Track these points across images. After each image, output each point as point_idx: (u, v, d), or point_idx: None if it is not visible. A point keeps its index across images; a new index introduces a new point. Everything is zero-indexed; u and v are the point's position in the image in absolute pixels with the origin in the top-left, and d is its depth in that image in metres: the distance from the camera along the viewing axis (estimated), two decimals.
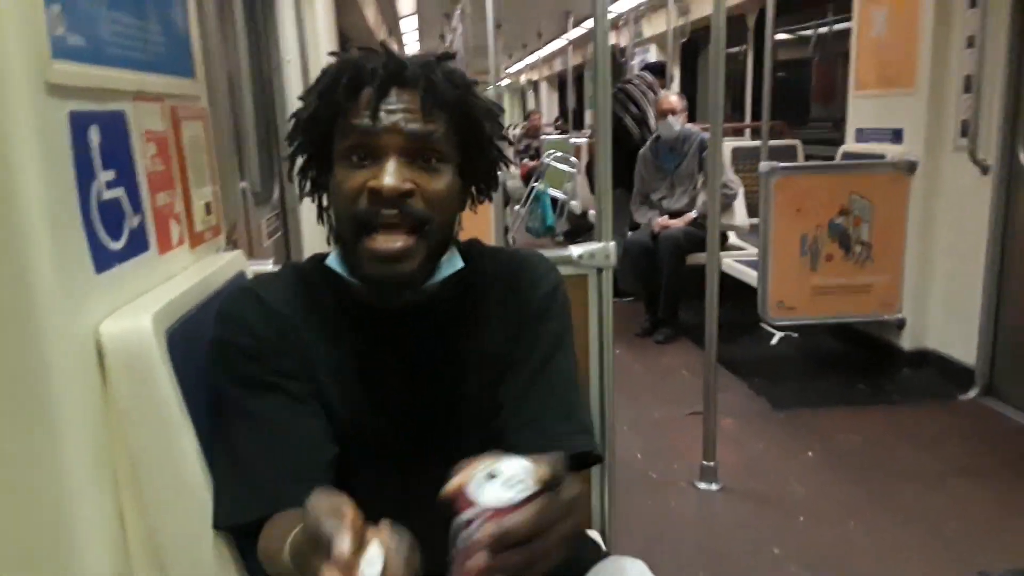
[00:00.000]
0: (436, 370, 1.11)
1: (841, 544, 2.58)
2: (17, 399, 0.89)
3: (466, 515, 0.68)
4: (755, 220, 4.43)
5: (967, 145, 3.63)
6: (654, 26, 8.56)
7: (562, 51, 12.38)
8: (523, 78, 20.99)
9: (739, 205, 4.99)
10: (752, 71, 7.11)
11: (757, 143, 5.44)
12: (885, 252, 4.01)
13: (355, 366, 1.09)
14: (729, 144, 5.79)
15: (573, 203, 7.79)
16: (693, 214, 4.86)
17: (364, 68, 1.01)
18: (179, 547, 1.03)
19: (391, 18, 10.64)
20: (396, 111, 0.99)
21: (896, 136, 4.07)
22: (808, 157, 5.86)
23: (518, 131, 13.01)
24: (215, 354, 1.07)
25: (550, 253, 1.60)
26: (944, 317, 3.99)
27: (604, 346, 1.65)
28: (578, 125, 11.09)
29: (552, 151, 8.42)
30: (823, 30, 6.19)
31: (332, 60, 1.06)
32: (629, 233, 5.12)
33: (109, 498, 1.00)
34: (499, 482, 0.69)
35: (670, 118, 4.90)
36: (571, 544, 0.72)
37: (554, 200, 7.92)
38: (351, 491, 0.94)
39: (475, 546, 0.66)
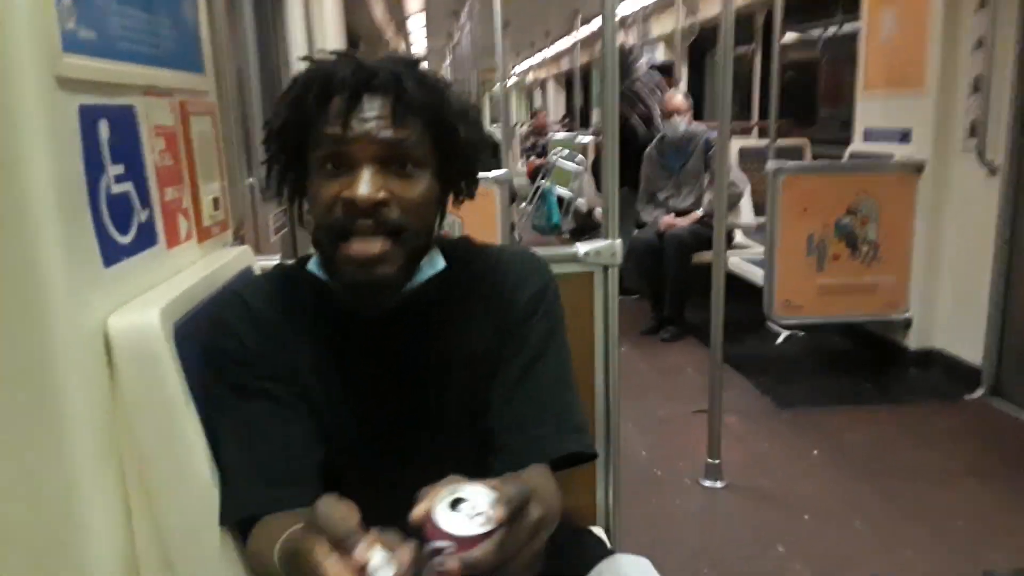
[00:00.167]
0: (420, 373, 1.11)
1: (846, 542, 2.58)
2: (25, 392, 0.89)
3: (435, 544, 0.70)
4: (762, 219, 4.43)
5: (975, 146, 3.62)
6: (662, 26, 8.54)
7: (570, 50, 12.36)
8: (530, 76, 20.97)
9: (745, 204, 4.99)
10: (760, 71, 7.10)
11: (764, 142, 5.43)
12: (892, 252, 4.00)
13: (339, 370, 1.09)
14: (736, 143, 5.78)
15: (579, 201, 7.78)
16: (699, 213, 4.85)
17: (334, 76, 0.99)
18: (185, 539, 1.04)
19: (399, 16, 10.64)
20: (368, 119, 0.98)
21: (904, 136, 4.06)
22: (816, 157, 5.84)
23: (525, 129, 13.01)
24: (205, 359, 1.07)
25: (555, 251, 1.60)
26: (951, 317, 3.98)
27: (610, 344, 1.64)
28: (585, 124, 11.07)
29: (559, 149, 8.41)
30: (831, 30, 6.18)
31: (303, 65, 1.05)
32: (635, 232, 5.12)
33: (116, 491, 1.00)
34: (464, 511, 0.71)
35: (675, 118, 4.90)
36: (539, 559, 0.74)
37: (560, 198, 7.91)
38: (340, 494, 0.95)
39: (448, 572, 0.69)
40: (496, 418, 1.09)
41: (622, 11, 8.16)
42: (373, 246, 0.99)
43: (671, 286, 4.87)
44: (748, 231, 5.21)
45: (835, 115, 6.50)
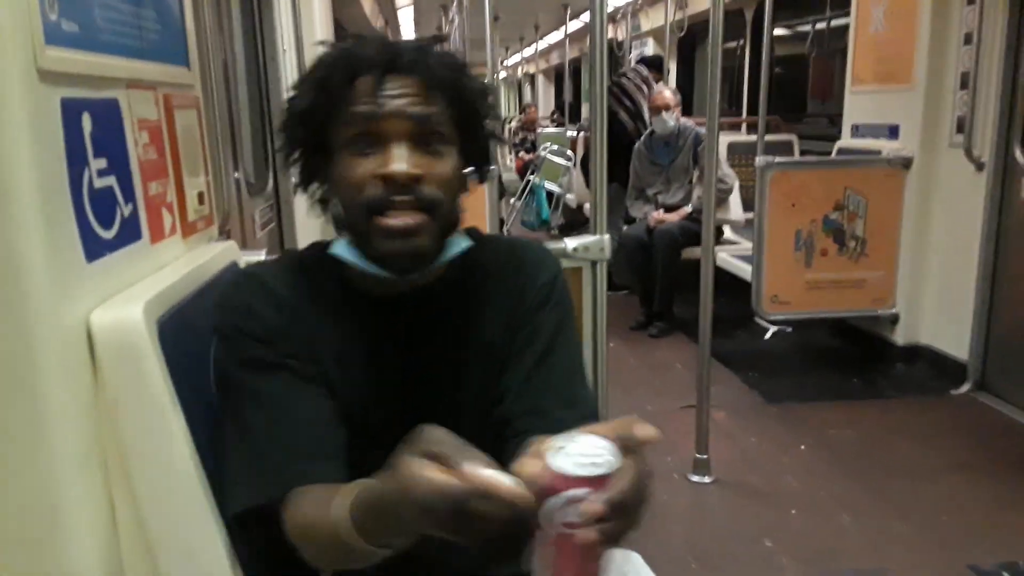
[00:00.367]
0: (437, 357, 1.11)
1: (833, 537, 2.59)
2: (6, 389, 0.89)
3: (567, 495, 0.68)
4: (750, 215, 4.44)
5: (962, 142, 3.64)
6: (652, 20, 8.54)
7: (559, 44, 12.35)
8: (520, 71, 20.95)
9: (734, 200, 5.00)
10: (749, 66, 7.11)
11: (753, 138, 5.44)
12: (879, 247, 4.02)
13: (357, 352, 1.09)
14: (725, 139, 5.79)
15: (569, 197, 7.79)
16: (688, 208, 4.86)
17: (360, 56, 1.00)
18: (169, 536, 1.03)
19: (388, 9, 10.61)
20: (398, 96, 0.99)
21: (892, 132, 4.07)
22: (804, 152, 5.86)
23: (514, 124, 12.99)
24: (221, 341, 1.07)
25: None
26: (937, 312, 4.00)
27: (598, 339, 1.65)
28: (575, 119, 11.07)
29: (548, 144, 8.41)
30: (821, 25, 6.18)
31: (324, 49, 1.05)
32: (624, 227, 5.12)
33: (99, 488, 0.99)
34: (578, 458, 0.70)
35: (664, 114, 4.89)
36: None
37: (550, 194, 7.91)
38: (357, 476, 0.95)
39: (584, 522, 0.67)
40: (515, 403, 1.09)
41: (612, 5, 8.16)
42: (410, 217, 0.99)
43: (660, 282, 4.88)
44: (737, 227, 5.22)
45: (824, 110, 6.52)
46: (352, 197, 1.01)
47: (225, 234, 1.57)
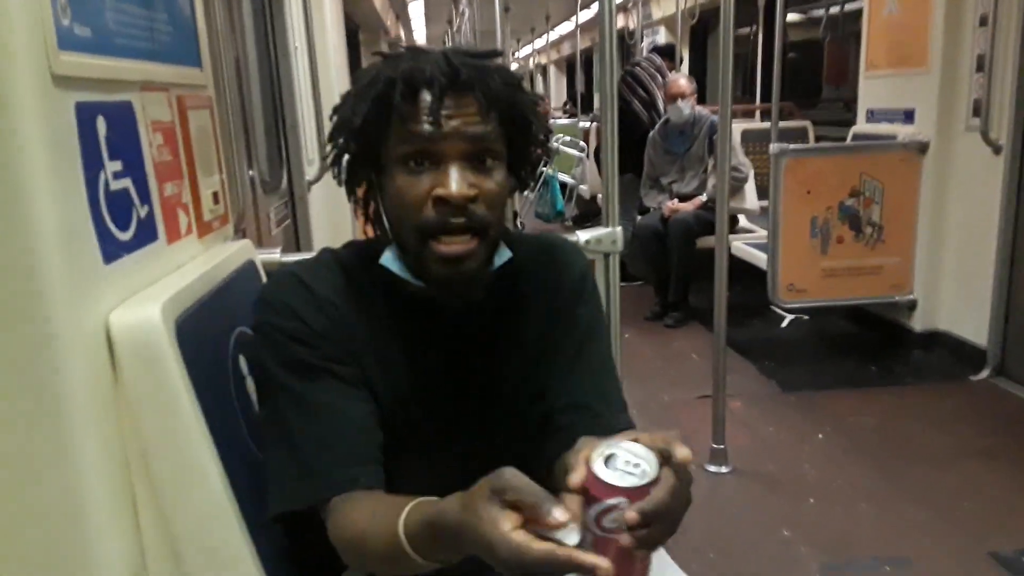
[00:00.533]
0: (477, 359, 1.13)
1: (852, 526, 2.58)
2: (27, 391, 0.89)
3: (606, 503, 0.73)
4: (765, 203, 4.41)
5: (979, 125, 3.60)
6: (663, 8, 8.49)
7: (570, 35, 12.31)
8: (532, 62, 20.89)
9: (749, 188, 4.97)
10: (762, 52, 7.06)
11: (767, 125, 5.41)
12: (896, 233, 3.99)
13: (398, 355, 1.10)
14: (739, 126, 5.76)
15: (582, 188, 7.77)
16: (703, 197, 4.83)
17: (421, 73, 0.99)
18: (192, 535, 1.04)
19: (398, 3, 10.60)
20: (456, 115, 0.99)
21: (908, 116, 4.04)
22: (819, 138, 5.82)
23: None
24: (262, 340, 1.07)
25: None
26: (955, 298, 3.97)
27: (613, 330, 1.65)
28: (587, 109, 11.03)
29: (561, 135, 8.39)
30: (834, 10, 6.14)
31: (377, 64, 1.05)
32: (639, 217, 5.10)
33: (121, 488, 1.00)
34: (621, 466, 0.74)
35: (679, 102, 4.86)
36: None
37: (563, 185, 7.89)
38: (390, 477, 0.96)
39: (622, 529, 0.72)
40: (555, 399, 1.11)
41: None
42: (463, 244, 1.00)
43: (675, 271, 4.86)
44: (752, 215, 5.19)
45: (839, 95, 6.48)
46: (406, 217, 1.01)
47: (240, 233, 1.57)
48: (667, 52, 6.05)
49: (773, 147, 3.96)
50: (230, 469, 1.06)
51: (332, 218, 3.89)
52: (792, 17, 6.89)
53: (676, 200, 4.93)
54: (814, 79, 7.05)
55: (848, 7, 5.47)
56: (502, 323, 1.14)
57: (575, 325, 1.15)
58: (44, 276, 0.88)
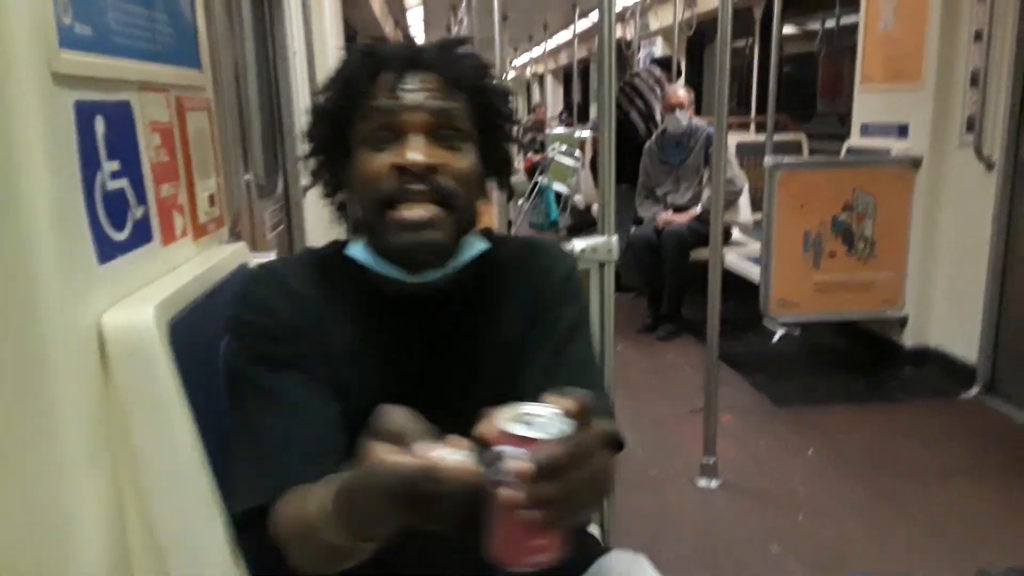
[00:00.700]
0: (453, 358, 1.11)
1: (841, 542, 2.58)
2: (18, 390, 0.89)
3: (504, 448, 0.69)
4: (758, 216, 4.42)
5: (972, 141, 3.62)
6: (660, 19, 8.52)
7: (568, 44, 12.34)
8: (529, 71, 20.92)
9: (743, 201, 4.99)
10: (758, 65, 7.09)
11: (762, 137, 5.42)
12: (888, 249, 4.00)
13: (373, 352, 1.09)
14: (734, 138, 5.77)
15: (577, 197, 7.78)
16: (697, 209, 4.84)
17: (382, 53, 1.02)
18: (178, 538, 1.03)
19: (397, 10, 10.62)
20: (418, 90, 1.01)
21: (902, 131, 4.06)
22: (813, 152, 5.83)
23: (523, 124, 12.98)
24: (234, 335, 1.07)
25: None
26: (947, 315, 3.98)
27: (606, 341, 1.65)
28: (583, 119, 11.08)
29: (557, 145, 8.41)
30: (830, 24, 6.17)
31: (343, 53, 1.07)
32: (633, 228, 5.11)
33: (109, 489, 0.99)
34: (532, 422, 0.70)
35: (677, 112, 4.87)
36: (609, 484, 0.74)
37: (558, 194, 7.91)
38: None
39: (511, 476, 0.67)
40: (528, 400, 1.09)
41: (620, 4, 8.15)
42: (424, 210, 1.00)
43: (669, 283, 4.87)
44: (745, 228, 5.21)
45: (833, 109, 6.50)
46: (367, 190, 1.02)
47: (236, 236, 1.57)
48: (666, 64, 6.08)
49: (767, 160, 3.98)
50: (218, 472, 1.05)
51: (327, 224, 3.88)
52: (788, 30, 6.91)
53: (670, 211, 4.94)
54: (809, 92, 7.07)
55: (844, 21, 5.49)
56: (479, 321, 1.13)
57: (555, 326, 1.12)
58: (38, 275, 0.87)
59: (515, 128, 1.14)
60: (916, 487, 2.91)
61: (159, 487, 1.02)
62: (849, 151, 4.45)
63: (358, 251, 1.08)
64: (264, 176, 3.16)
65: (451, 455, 0.68)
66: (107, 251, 1.00)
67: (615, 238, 1.66)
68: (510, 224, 6.12)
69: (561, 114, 14.87)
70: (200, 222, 1.33)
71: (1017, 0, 3.43)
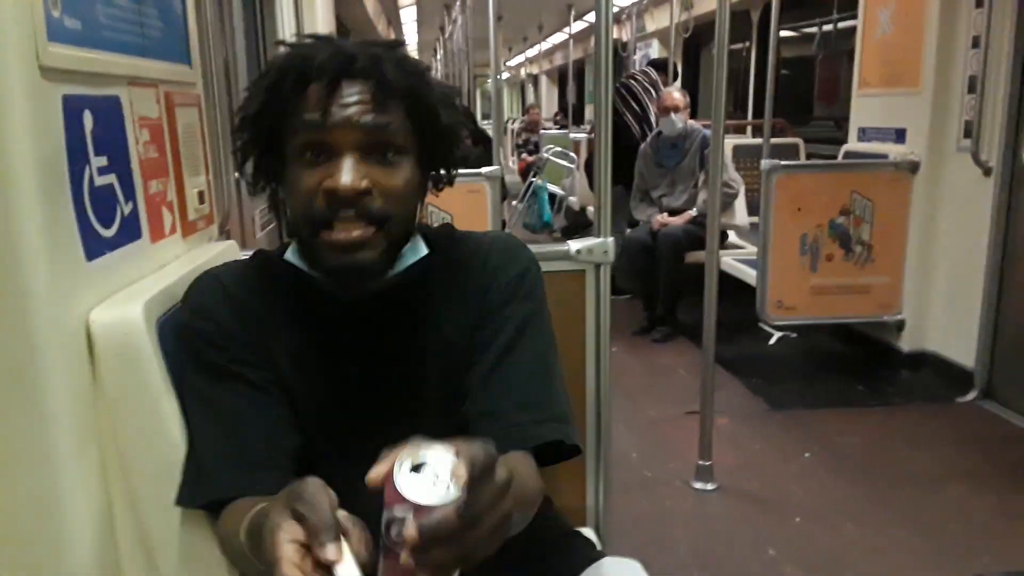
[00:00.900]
0: (397, 359, 1.09)
1: (837, 546, 2.57)
2: (6, 387, 0.89)
3: (395, 511, 0.67)
4: (755, 219, 4.42)
5: (970, 146, 3.61)
6: (657, 21, 8.53)
7: (563, 45, 12.35)
8: (523, 72, 20.94)
9: (740, 204, 4.98)
10: (755, 68, 7.09)
11: (759, 141, 5.42)
12: (886, 253, 4.00)
13: (316, 355, 1.07)
14: (730, 142, 5.77)
15: (571, 199, 7.78)
16: (693, 212, 4.83)
17: (312, 61, 0.97)
18: (166, 534, 1.03)
19: (390, 8, 10.62)
20: (348, 105, 0.96)
21: (899, 136, 4.05)
22: (810, 156, 5.84)
23: (517, 125, 12.99)
24: (181, 342, 1.06)
25: (547, 248, 1.58)
26: (944, 319, 3.97)
27: (601, 344, 1.63)
28: (578, 120, 11.07)
29: (551, 146, 8.40)
30: (827, 28, 6.17)
31: (282, 51, 1.03)
32: (628, 230, 5.10)
33: (97, 486, 0.99)
34: (426, 476, 0.67)
35: (673, 115, 4.86)
36: (511, 526, 0.70)
37: (552, 196, 7.90)
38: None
39: (403, 544, 0.65)
40: (472, 405, 1.06)
41: (617, 5, 8.15)
42: (354, 231, 0.97)
43: (664, 285, 4.85)
44: (742, 231, 5.20)
45: (830, 113, 6.51)
46: (299, 209, 0.99)
47: (225, 234, 1.55)
48: (662, 66, 6.07)
49: (764, 163, 3.97)
50: None
51: None
52: (785, 33, 6.92)
53: (666, 214, 4.93)
54: (806, 96, 7.09)
55: (841, 25, 5.49)
56: (423, 322, 1.10)
57: (502, 327, 1.08)
58: (25, 271, 0.87)
59: (458, 132, 1.08)
60: (913, 491, 2.90)
61: (148, 483, 1.02)
62: (847, 155, 4.45)
63: (294, 256, 1.07)
64: (239, 168, 3.14)
65: (343, 570, 0.66)
66: (95, 248, 0.99)
67: (611, 240, 1.64)
68: (504, 225, 6.11)
69: (556, 115, 14.87)
70: (189, 219, 1.32)
71: (1015, 6, 3.43)
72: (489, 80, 4.55)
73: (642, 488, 2.98)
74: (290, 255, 1.08)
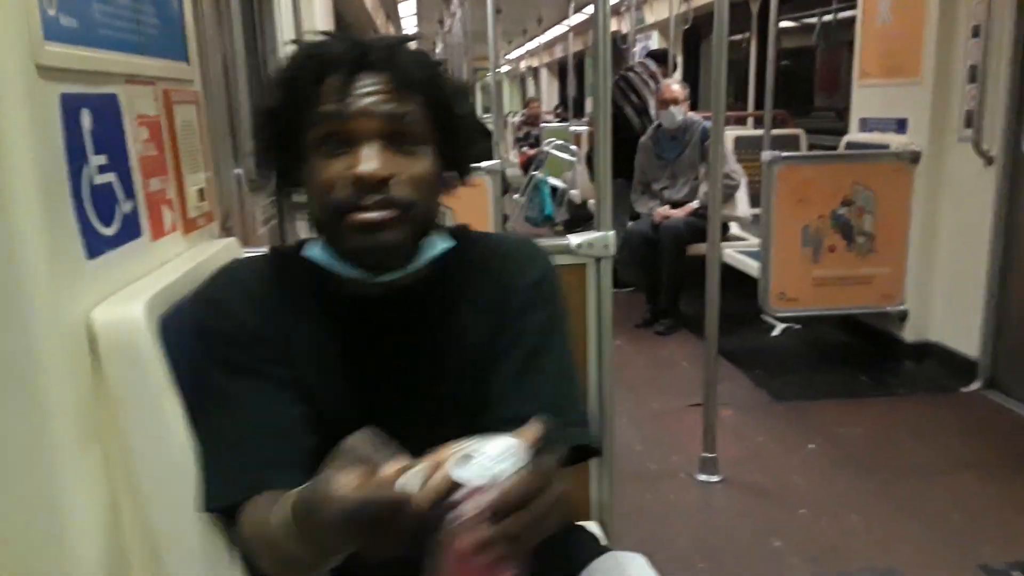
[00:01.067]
0: (416, 359, 1.09)
1: (842, 537, 2.57)
2: (8, 387, 0.88)
3: (458, 498, 0.68)
4: (757, 211, 4.41)
5: (971, 135, 3.60)
6: (656, 12, 8.51)
7: (563, 37, 12.33)
8: (523, 65, 20.91)
9: (741, 195, 4.97)
10: (755, 59, 7.07)
11: (760, 132, 5.41)
12: (888, 243, 3.99)
13: (335, 354, 1.07)
14: (731, 133, 5.76)
15: (573, 192, 7.76)
16: (695, 204, 4.82)
17: (329, 54, 0.98)
18: (171, 532, 1.03)
19: (389, 2, 10.60)
20: (366, 94, 0.97)
21: (900, 126, 4.04)
22: (812, 147, 5.83)
23: (517, 119, 12.98)
24: (196, 337, 1.05)
25: (548, 242, 1.58)
26: (947, 309, 3.97)
27: (603, 337, 1.63)
28: (578, 113, 11.05)
29: (552, 139, 8.39)
30: (827, 18, 6.15)
31: (291, 48, 1.03)
32: (630, 223, 5.09)
33: (101, 484, 0.99)
34: (482, 460, 0.69)
35: (672, 108, 4.85)
36: (563, 513, 0.72)
37: (554, 189, 7.89)
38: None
39: (468, 523, 0.67)
40: (496, 411, 1.06)
41: None
42: (380, 214, 0.97)
43: (666, 278, 4.85)
44: (744, 223, 5.19)
45: (831, 104, 6.49)
46: (322, 198, 0.99)
47: (227, 231, 1.55)
48: (661, 58, 6.05)
49: (765, 155, 3.96)
50: None
51: None
52: (785, 24, 6.89)
53: (667, 206, 4.92)
54: (807, 87, 7.06)
55: (841, 15, 5.47)
56: (444, 321, 1.10)
57: (525, 332, 1.09)
58: (26, 271, 0.86)
59: (473, 126, 1.10)
60: (917, 482, 2.90)
61: (151, 481, 1.01)
62: (848, 146, 4.44)
63: (316, 251, 1.07)
64: (255, 170, 3.14)
65: (410, 479, 0.68)
66: (95, 246, 0.99)
67: (612, 233, 1.64)
68: (506, 219, 6.10)
69: (556, 108, 14.85)
70: (190, 216, 1.31)
71: None
72: (489, 74, 4.53)
73: (646, 481, 2.99)
74: (311, 251, 1.08)
